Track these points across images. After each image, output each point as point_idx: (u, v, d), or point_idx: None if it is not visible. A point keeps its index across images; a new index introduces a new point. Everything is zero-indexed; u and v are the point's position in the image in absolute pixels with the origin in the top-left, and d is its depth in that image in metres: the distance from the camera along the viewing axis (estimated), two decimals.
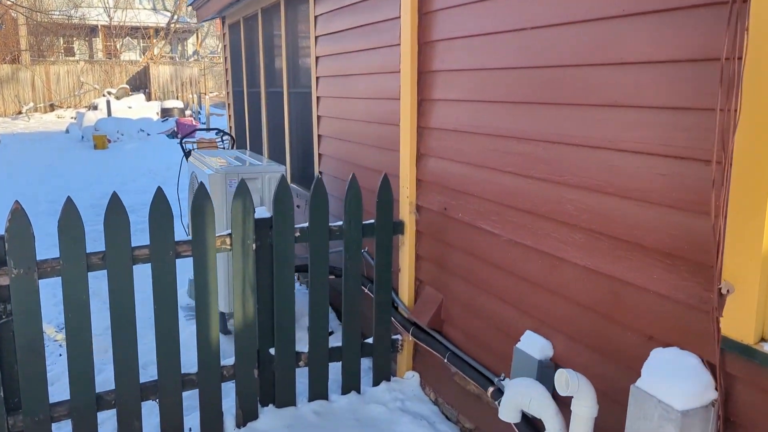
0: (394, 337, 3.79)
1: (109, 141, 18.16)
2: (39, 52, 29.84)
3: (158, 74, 27.61)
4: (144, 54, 34.85)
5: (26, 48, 27.69)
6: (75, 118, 22.56)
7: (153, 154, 16.19)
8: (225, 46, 8.33)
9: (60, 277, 3.00)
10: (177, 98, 27.17)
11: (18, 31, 27.37)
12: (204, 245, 3.25)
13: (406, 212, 3.67)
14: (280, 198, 3.35)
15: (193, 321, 4.72)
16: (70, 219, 2.97)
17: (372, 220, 3.59)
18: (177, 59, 35.75)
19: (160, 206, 3.16)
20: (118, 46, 33.85)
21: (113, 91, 24.41)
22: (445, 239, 3.38)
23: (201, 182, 3.24)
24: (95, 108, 22.09)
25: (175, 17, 34.40)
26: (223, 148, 12.94)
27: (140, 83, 27.87)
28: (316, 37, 4.95)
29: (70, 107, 26.91)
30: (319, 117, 5.08)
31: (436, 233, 3.48)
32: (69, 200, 2.96)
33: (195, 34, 39.92)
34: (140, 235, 7.94)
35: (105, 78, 27.38)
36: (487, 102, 2.89)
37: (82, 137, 19.22)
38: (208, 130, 7.25)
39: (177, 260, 3.19)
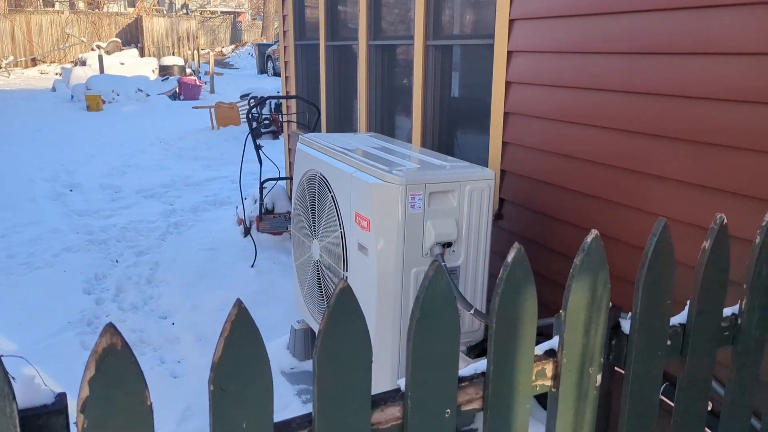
0: None
1: (104, 102, 16.01)
2: (16, 0, 27.13)
3: (152, 27, 25.12)
4: (130, 6, 32.16)
5: None
6: (61, 75, 20.24)
7: (157, 119, 14.12)
8: None
9: None
10: (173, 54, 24.79)
11: None
12: (510, 384, 1.43)
13: None
14: (658, 267, 1.53)
15: None
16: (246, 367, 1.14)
17: None
18: (165, 12, 33.09)
19: (440, 314, 1.33)
20: None
21: (103, 45, 22.02)
22: None
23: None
24: (83, 63, 19.81)
25: None
26: (256, 118, 10.94)
27: (131, 37, 25.37)
28: None
29: (54, 62, 24.43)
30: (508, 84, 3.22)
31: None
32: (242, 314, 1.11)
33: None
34: (176, 238, 6.05)
35: (92, 30, 24.84)
36: None
37: (72, 96, 17.00)
38: (288, 98, 5.32)
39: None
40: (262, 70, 26.27)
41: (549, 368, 1.50)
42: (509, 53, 3.20)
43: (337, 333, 1.22)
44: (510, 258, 1.36)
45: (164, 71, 20.18)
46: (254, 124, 6.19)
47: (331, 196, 2.98)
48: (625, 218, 2.61)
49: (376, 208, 2.60)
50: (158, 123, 13.55)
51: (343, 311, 1.21)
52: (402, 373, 2.71)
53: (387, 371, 2.68)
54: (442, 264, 2.58)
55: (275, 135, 10.98)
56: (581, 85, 2.77)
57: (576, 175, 2.84)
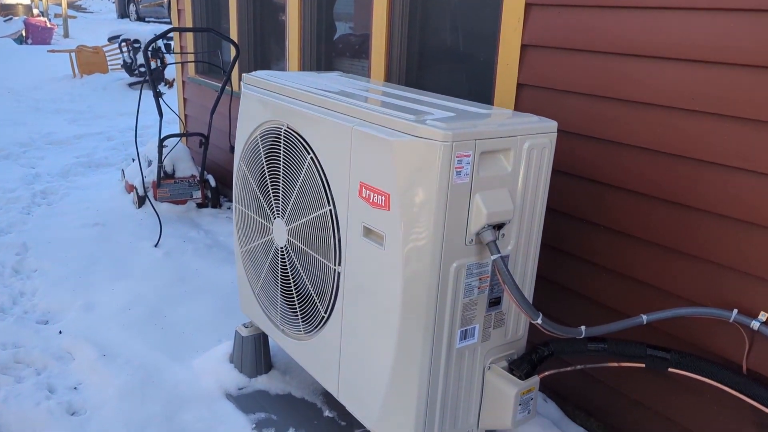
0: None
1: None
2: None
3: None
4: None
5: None
6: None
7: (3, 65, 11.98)
8: None
9: None
10: None
11: None
12: None
13: None
14: None
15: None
16: None
17: None
18: None
19: None
20: None
21: None
22: None
23: None
24: None
25: None
26: (131, 65, 9.32)
27: None
28: None
29: None
30: (528, 6, 2.45)
31: None
32: None
33: None
34: (46, 211, 4.82)
35: None
36: None
37: None
38: (200, 30, 4.16)
39: None
40: (123, 14, 23.65)
41: None
42: None
43: None
44: None
45: (6, 11, 17.38)
46: (153, 65, 4.99)
47: (311, 158, 2.09)
48: (729, 183, 1.95)
49: (401, 177, 1.76)
50: (4, 70, 11.47)
51: None
52: (439, 426, 1.94)
53: (410, 416, 1.89)
54: (498, 256, 1.80)
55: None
56: (663, 4, 2.05)
57: (650, 129, 2.14)
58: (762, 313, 1.91)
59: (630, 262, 2.26)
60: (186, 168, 4.80)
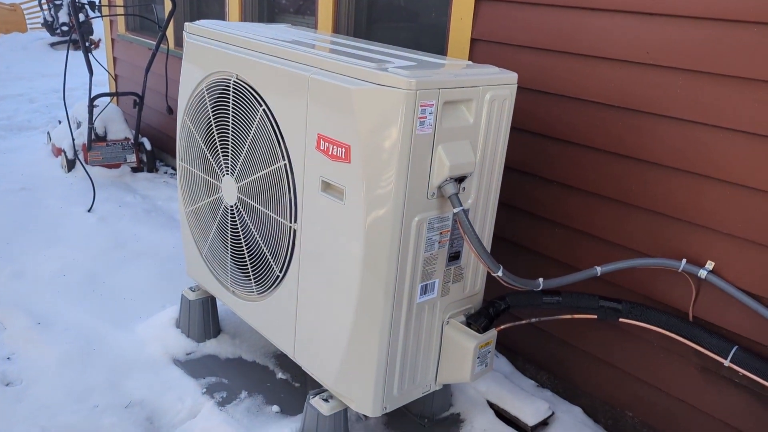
0: None
1: None
2: None
3: None
4: None
5: None
6: None
7: None
8: None
9: None
10: None
11: None
12: None
13: None
14: None
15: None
16: None
17: None
18: None
19: None
20: None
21: None
22: None
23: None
24: None
25: None
26: (52, 23, 8.74)
27: None
28: None
29: None
30: None
31: None
32: None
33: None
34: None
35: None
36: None
37: None
38: None
39: None
40: None
41: None
42: None
43: None
44: None
45: None
46: (82, 17, 4.61)
47: (263, 110, 2.00)
48: (680, 136, 2.00)
49: (362, 127, 1.70)
50: None
51: None
52: (398, 383, 1.92)
53: (370, 373, 1.87)
54: (461, 209, 1.78)
55: (77, 45, 9.02)
56: None
57: (603, 83, 2.15)
58: (709, 261, 1.98)
59: (581, 216, 2.29)
60: (119, 130, 4.57)
